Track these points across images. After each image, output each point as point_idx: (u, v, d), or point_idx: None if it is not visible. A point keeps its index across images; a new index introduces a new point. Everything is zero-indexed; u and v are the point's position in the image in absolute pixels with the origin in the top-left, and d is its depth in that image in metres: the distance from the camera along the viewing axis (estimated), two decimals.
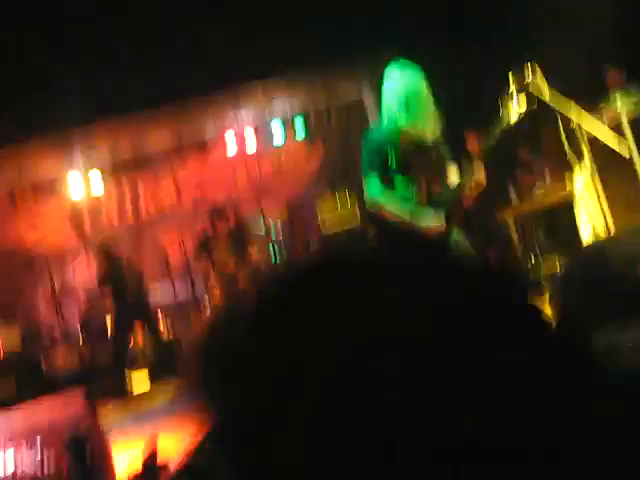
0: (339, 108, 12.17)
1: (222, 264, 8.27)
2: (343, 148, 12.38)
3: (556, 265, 7.28)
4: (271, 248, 9.86)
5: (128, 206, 11.85)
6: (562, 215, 7.31)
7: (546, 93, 4.69)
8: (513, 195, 7.83)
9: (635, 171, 5.72)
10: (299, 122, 11.95)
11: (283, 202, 11.88)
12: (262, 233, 9.95)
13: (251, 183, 11.92)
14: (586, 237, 6.37)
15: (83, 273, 11.33)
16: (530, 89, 4.58)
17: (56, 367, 8.97)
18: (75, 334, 10.12)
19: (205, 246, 8.51)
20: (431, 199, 4.29)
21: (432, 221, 4.17)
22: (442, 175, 4.36)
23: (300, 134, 11.98)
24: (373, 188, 4.23)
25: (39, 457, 3.16)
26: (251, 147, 11.71)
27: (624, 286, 3.46)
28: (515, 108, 4.27)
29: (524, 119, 4.32)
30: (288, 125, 11.93)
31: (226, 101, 11.52)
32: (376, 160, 4.23)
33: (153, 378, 8.79)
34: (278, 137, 11.87)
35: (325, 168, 12.33)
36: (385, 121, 4.21)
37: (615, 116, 5.73)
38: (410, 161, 4.27)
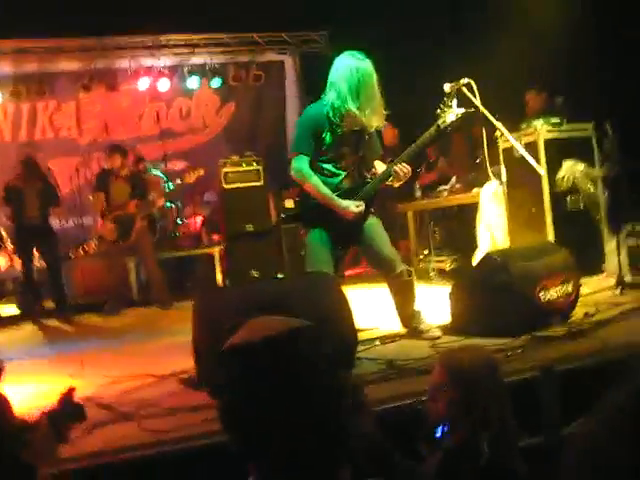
0: (259, 68, 12.12)
1: (119, 203, 8.09)
2: (255, 109, 12.46)
3: (446, 264, 7.59)
4: (168, 192, 9.72)
5: (24, 122, 11.37)
6: (462, 217, 7.60)
7: (477, 101, 4.85)
8: (418, 191, 8.06)
9: (541, 191, 6.04)
10: (217, 73, 11.83)
11: (186, 149, 11.77)
12: (163, 178, 9.77)
13: (157, 124, 11.69)
14: (482, 244, 6.66)
15: None
16: (464, 93, 4.74)
17: None
18: None
19: (103, 180, 8.28)
20: (355, 184, 4.42)
21: (348, 207, 4.29)
22: (370, 164, 4.49)
23: (215, 84, 11.87)
24: (300, 163, 4.31)
25: None
26: (163, 86, 11.52)
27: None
28: (454, 110, 4.41)
29: (455, 121, 4.46)
30: (205, 74, 11.81)
31: (146, 40, 11.30)
32: (311, 134, 4.31)
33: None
34: (193, 82, 11.73)
35: (234, 125, 12.31)
36: (331, 100, 4.26)
37: (533, 137, 6.02)
38: (346, 145, 4.37)
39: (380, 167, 4.51)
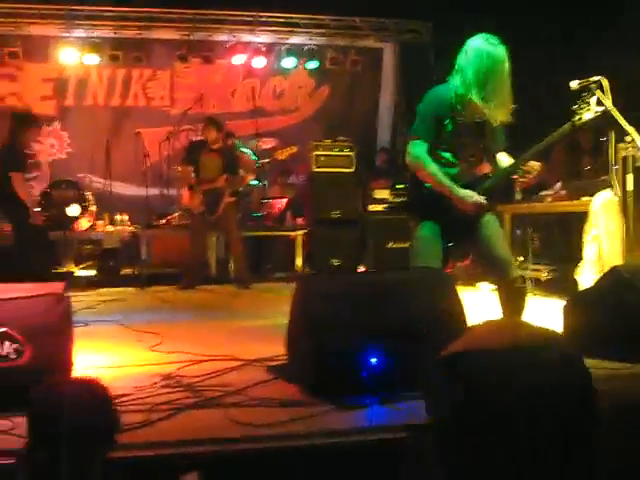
0: (357, 53, 11.81)
1: (209, 176, 7.90)
2: (349, 95, 12.17)
3: (542, 274, 7.14)
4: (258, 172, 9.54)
5: (118, 89, 11.34)
6: (564, 226, 7.15)
7: (608, 102, 4.44)
8: (518, 194, 7.61)
9: None
10: (314, 55, 11.58)
11: (277, 128, 11.56)
12: (253, 156, 9.57)
13: (250, 101, 11.53)
14: (588, 256, 6.21)
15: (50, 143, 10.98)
16: (598, 95, 4.33)
17: None
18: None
19: (194, 152, 8.11)
20: (475, 177, 4.06)
21: (469, 197, 3.93)
22: (492, 159, 4.12)
23: (312, 66, 11.63)
24: (418, 149, 3.97)
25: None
26: (259, 63, 11.34)
27: None
28: (593, 109, 4.01)
29: (592, 119, 4.07)
30: (302, 55, 11.57)
31: (245, 16, 11.13)
32: (432, 119, 3.96)
33: None
34: (289, 62, 11.51)
35: (327, 109, 12.06)
36: (456, 86, 3.90)
37: None
38: (467, 135, 4.01)
39: (504, 160, 4.14)
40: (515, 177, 4.07)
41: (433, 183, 3.96)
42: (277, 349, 3.88)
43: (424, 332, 3.15)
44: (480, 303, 6.04)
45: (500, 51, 3.85)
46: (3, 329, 2.86)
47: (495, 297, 4.22)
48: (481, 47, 3.85)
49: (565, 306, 4.18)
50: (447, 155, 4.03)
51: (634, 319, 3.79)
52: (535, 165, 3.99)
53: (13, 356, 2.86)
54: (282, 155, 9.10)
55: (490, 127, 4.04)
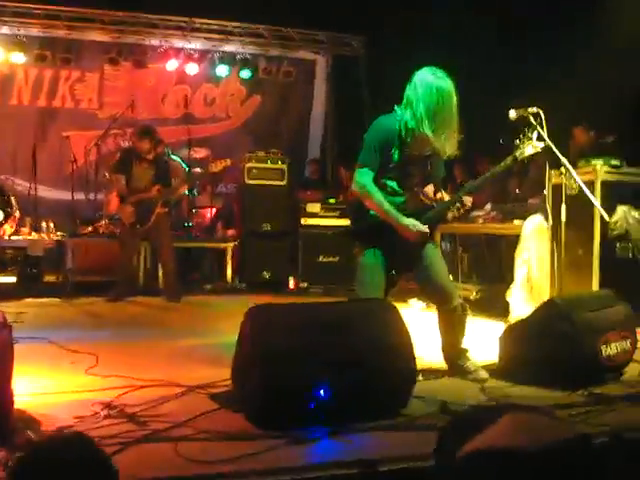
0: (290, 64, 11.84)
1: (141, 186, 7.76)
2: (281, 105, 12.17)
3: (471, 293, 7.28)
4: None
5: (44, 89, 11.03)
6: (493, 247, 7.32)
7: (544, 133, 4.57)
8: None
9: (591, 233, 5.75)
10: (247, 64, 11.54)
11: (207, 136, 11.46)
12: (183, 165, 9.45)
13: (180, 107, 11.40)
14: (518, 277, 6.38)
15: None
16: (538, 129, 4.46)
17: None
18: None
19: (126, 162, 7.94)
20: (418, 207, 4.11)
21: (413, 226, 3.98)
22: (437, 188, 4.19)
23: (244, 75, 11.58)
24: (365, 177, 4.00)
25: None
26: (191, 69, 11.23)
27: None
28: (534, 144, 4.13)
29: (533, 154, 4.19)
30: (235, 63, 11.51)
31: (179, 21, 11.02)
32: (379, 148, 3.99)
33: None
34: (222, 70, 11.43)
35: (258, 118, 12.02)
36: (405, 119, 3.94)
37: (590, 176, 5.73)
38: (412, 164, 4.06)
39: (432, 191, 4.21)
40: (451, 210, 4.14)
41: (378, 211, 4.00)
42: (217, 373, 3.85)
43: (372, 363, 3.18)
44: (412, 321, 6.11)
45: (449, 85, 3.91)
46: None
47: (432, 320, 4.29)
48: (431, 81, 3.89)
49: (501, 335, 4.28)
50: (392, 184, 4.07)
51: (566, 349, 3.92)
52: (468, 200, 4.08)
53: None
54: (216, 168, 9.02)
55: (435, 158, 4.10)
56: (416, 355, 3.49)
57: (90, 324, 6.42)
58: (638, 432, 3.28)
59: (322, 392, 3.07)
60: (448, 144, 3.95)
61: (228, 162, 8.97)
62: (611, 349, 4.01)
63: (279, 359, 3.06)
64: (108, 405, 3.36)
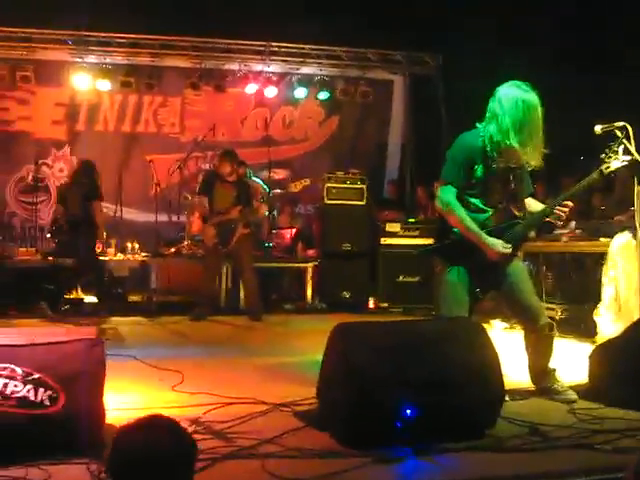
0: (367, 84, 11.87)
1: (222, 208, 7.89)
2: (359, 126, 12.21)
3: (557, 313, 7.11)
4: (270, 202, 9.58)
5: (129, 115, 11.37)
6: (579, 266, 7.14)
7: (632, 147, 4.45)
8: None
9: None
10: (325, 85, 11.64)
11: (286, 158, 11.59)
12: (264, 186, 9.56)
13: (260, 130, 11.58)
14: (605, 295, 6.20)
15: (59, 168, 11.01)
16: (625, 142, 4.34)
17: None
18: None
19: (208, 184, 8.10)
20: (504, 223, 4.05)
21: (496, 245, 3.93)
22: (521, 202, 4.12)
23: (322, 96, 11.68)
24: (448, 194, 3.97)
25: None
26: (270, 92, 11.39)
27: None
28: (620, 158, 4.03)
29: (619, 168, 4.09)
30: (313, 85, 11.63)
31: (257, 45, 11.20)
32: (462, 165, 3.96)
33: None
34: (300, 92, 11.56)
35: (336, 139, 12.09)
36: (490, 133, 3.90)
37: None
38: (496, 181, 4.01)
39: (532, 205, 4.15)
40: (548, 219, 4.09)
41: (461, 228, 3.96)
42: (300, 390, 3.87)
43: (459, 383, 3.14)
44: (495, 341, 6.01)
45: (534, 97, 3.88)
46: (38, 375, 2.83)
47: (515, 340, 4.21)
48: (516, 94, 3.86)
49: (591, 354, 4.16)
50: (476, 201, 4.02)
51: None
52: (568, 204, 4.01)
53: (47, 403, 2.82)
54: (296, 188, 9.15)
55: (519, 173, 4.04)
56: (504, 375, 3.43)
57: (175, 342, 6.54)
58: None
59: (409, 411, 3.04)
60: (534, 156, 3.90)
61: (307, 182, 9.06)
62: None
63: (366, 377, 3.06)
64: (195, 421, 3.41)
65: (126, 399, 3.90)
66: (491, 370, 3.25)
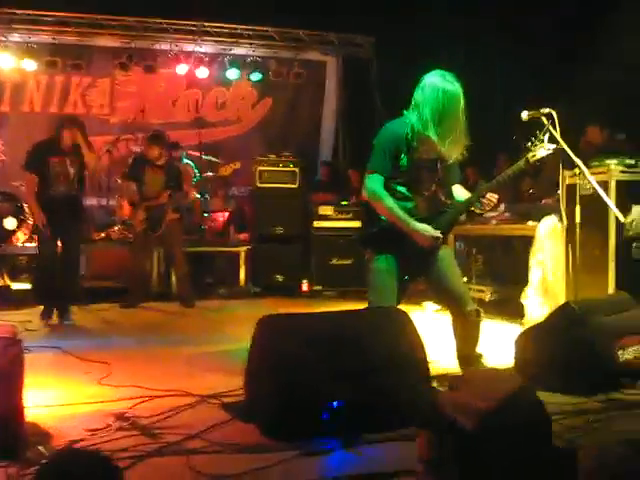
0: (300, 66, 11.80)
1: (152, 192, 7.75)
2: (292, 107, 12.14)
3: (486, 295, 7.22)
4: (195, 183, 9.45)
5: (56, 96, 11.06)
6: (508, 248, 7.25)
7: (557, 134, 4.51)
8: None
9: (606, 234, 5.68)
10: (258, 66, 11.51)
11: (218, 140, 11.45)
12: (195, 169, 9.43)
13: (192, 111, 11.41)
14: (532, 278, 6.32)
15: None
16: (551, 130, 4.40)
17: None
18: None
19: (137, 168, 7.94)
20: (431, 211, 4.07)
21: (425, 231, 3.94)
22: (449, 190, 4.15)
23: (255, 78, 11.56)
24: (375, 183, 3.96)
25: None
26: (202, 73, 11.22)
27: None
28: (546, 146, 4.07)
29: (545, 157, 4.14)
30: (246, 66, 11.48)
31: (189, 25, 11.00)
32: (388, 153, 3.95)
33: None
34: (232, 73, 11.41)
35: (269, 121, 12.01)
36: (411, 122, 3.91)
37: (605, 176, 5.65)
38: (422, 169, 4.02)
39: (460, 193, 4.17)
40: (473, 209, 4.12)
41: (389, 217, 3.96)
42: (231, 381, 3.83)
43: (385, 374, 3.15)
44: (426, 324, 6.08)
45: (456, 88, 3.87)
46: None
47: (446, 323, 4.26)
48: (438, 84, 3.85)
49: (517, 339, 4.24)
50: (403, 189, 4.02)
51: (582, 354, 3.87)
52: (493, 197, 4.04)
53: None
54: (226, 171, 9.05)
55: (446, 165, 4.06)
56: (430, 361, 3.46)
57: (104, 331, 6.41)
58: None
59: (335, 403, 3.04)
60: (454, 148, 3.90)
61: (237, 165, 8.97)
62: (628, 354, 3.95)
63: (291, 370, 3.04)
64: (121, 416, 3.35)
65: (49, 395, 3.81)
66: (416, 360, 3.28)
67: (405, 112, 4.02)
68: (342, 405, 3.05)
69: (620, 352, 3.92)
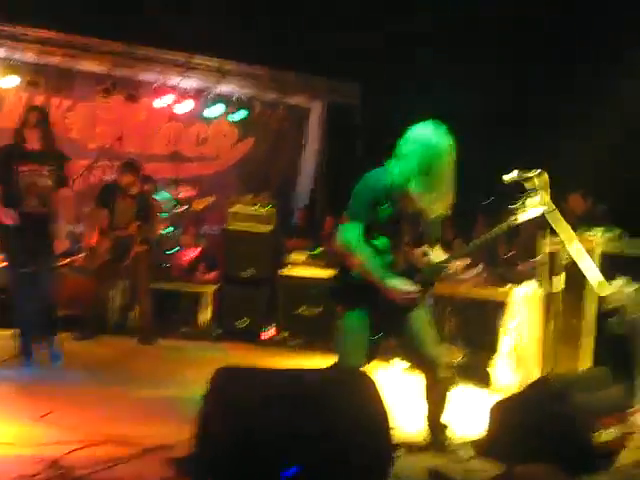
0: (285, 109, 11.67)
1: (122, 222, 7.48)
2: (272, 150, 11.97)
3: (455, 357, 6.99)
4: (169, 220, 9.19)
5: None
6: (481, 311, 7.06)
7: (548, 197, 4.33)
8: None
9: (584, 305, 5.50)
10: (242, 105, 11.37)
11: (194, 176, 11.22)
12: (172, 201, 9.20)
13: (170, 145, 11.19)
14: (504, 347, 6.13)
15: None
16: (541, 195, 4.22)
17: None
18: None
19: (108, 195, 7.68)
20: (409, 267, 3.85)
21: (400, 287, 3.70)
22: (432, 247, 3.93)
23: (238, 116, 11.39)
24: (351, 233, 3.72)
25: None
26: (185, 107, 11.03)
27: None
28: (530, 211, 3.89)
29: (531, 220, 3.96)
30: (230, 104, 11.33)
31: (177, 58, 10.83)
32: (368, 203, 3.73)
33: None
34: (216, 110, 11.24)
35: (248, 162, 11.82)
36: (393, 173, 3.70)
37: (589, 245, 5.49)
38: (403, 223, 3.81)
39: (436, 253, 3.95)
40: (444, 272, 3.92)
41: (363, 269, 3.71)
42: (178, 431, 3.52)
43: (345, 439, 2.89)
44: (394, 383, 5.84)
45: (444, 143, 3.66)
46: None
47: (415, 382, 4.02)
48: (424, 138, 3.64)
49: (492, 409, 4.00)
50: (381, 242, 3.80)
51: (560, 431, 3.64)
52: (460, 266, 3.86)
53: None
54: (199, 205, 8.82)
55: (427, 221, 3.85)
56: (397, 426, 3.22)
57: (51, 363, 6.01)
58: None
59: (292, 468, 2.77)
60: (436, 205, 3.68)
61: (210, 200, 8.75)
62: (606, 435, 3.73)
63: (248, 428, 2.76)
64: (54, 464, 3.05)
65: None
66: (380, 426, 3.01)
67: (388, 162, 3.82)
68: (299, 470, 2.78)
69: (598, 433, 3.69)
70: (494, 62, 8.70)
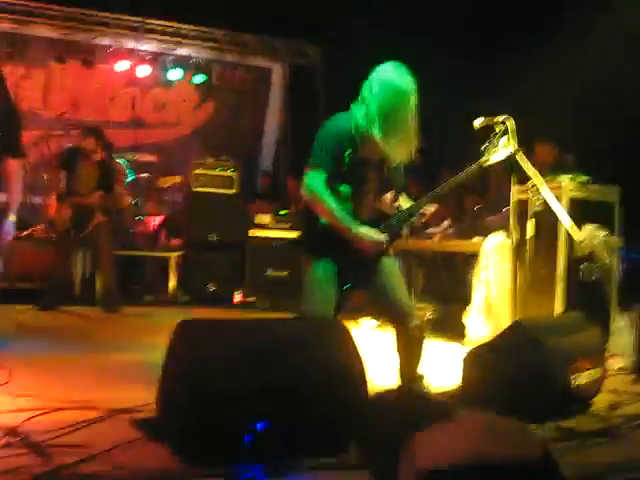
0: (245, 71, 11.45)
1: (83, 189, 7.24)
2: (234, 113, 11.74)
3: (425, 313, 6.92)
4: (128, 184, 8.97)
5: None
6: (450, 265, 6.99)
7: (514, 143, 4.22)
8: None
9: (555, 253, 5.44)
10: (201, 69, 11.11)
11: (156, 142, 10.97)
12: (129, 171, 8.96)
13: (129, 111, 10.90)
14: (477, 299, 6.06)
15: None
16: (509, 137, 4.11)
17: None
18: None
19: (70, 159, 7.42)
20: (375, 215, 3.73)
21: (369, 236, 3.58)
22: (398, 195, 3.80)
23: (198, 80, 11.14)
24: (315, 181, 3.57)
25: None
26: (142, 72, 10.74)
27: None
28: (500, 151, 3.78)
29: (499, 162, 3.85)
30: (189, 68, 11.06)
31: (132, 21, 10.52)
32: (332, 149, 3.58)
33: None
34: (175, 74, 10.96)
35: (210, 126, 11.58)
36: (357, 117, 3.56)
37: (556, 192, 5.41)
38: (367, 169, 3.67)
39: (402, 201, 3.82)
40: (412, 220, 3.80)
41: (329, 218, 3.58)
42: (141, 394, 3.39)
43: (316, 392, 2.77)
44: (363, 342, 5.74)
45: (407, 84, 3.51)
46: None
47: (385, 341, 3.92)
48: (387, 79, 3.50)
49: (465, 358, 3.92)
50: (345, 189, 3.65)
51: (536, 377, 3.57)
52: (430, 208, 3.74)
53: None
54: (164, 184, 8.62)
55: (391, 168, 3.72)
56: (369, 380, 3.10)
57: (12, 334, 5.83)
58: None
59: (259, 423, 2.65)
60: (399, 151, 3.53)
61: (178, 179, 8.55)
62: (581, 379, 3.67)
63: (210, 382, 2.63)
64: (12, 431, 2.89)
65: None
66: (354, 377, 2.90)
67: (352, 106, 3.67)
68: (267, 426, 2.66)
69: (574, 377, 3.63)
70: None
